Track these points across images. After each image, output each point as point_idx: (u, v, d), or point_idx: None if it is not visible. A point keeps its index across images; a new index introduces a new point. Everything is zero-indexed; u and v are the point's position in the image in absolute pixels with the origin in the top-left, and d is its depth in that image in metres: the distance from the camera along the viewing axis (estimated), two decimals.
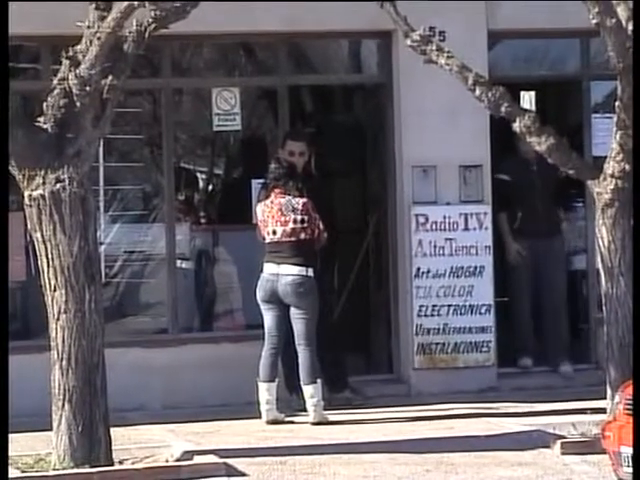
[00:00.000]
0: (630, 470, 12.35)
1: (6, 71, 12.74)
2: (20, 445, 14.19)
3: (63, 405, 13.41)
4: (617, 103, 14.70)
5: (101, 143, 14.61)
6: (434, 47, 15.03)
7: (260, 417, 15.65)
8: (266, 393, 15.69)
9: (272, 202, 15.87)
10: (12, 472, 13.32)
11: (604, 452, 12.79)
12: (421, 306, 17.31)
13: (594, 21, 14.37)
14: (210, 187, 18.33)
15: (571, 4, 14.52)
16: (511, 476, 13.26)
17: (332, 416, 15.66)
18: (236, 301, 17.65)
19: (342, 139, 17.66)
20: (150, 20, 13.29)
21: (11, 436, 14.52)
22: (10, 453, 13.90)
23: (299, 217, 15.70)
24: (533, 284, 17.67)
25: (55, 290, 13.45)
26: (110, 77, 13.35)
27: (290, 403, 15.95)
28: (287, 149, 16.65)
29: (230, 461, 13.67)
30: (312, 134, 17.24)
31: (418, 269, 17.33)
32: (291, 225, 15.70)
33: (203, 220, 18.05)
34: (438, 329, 17.33)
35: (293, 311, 15.68)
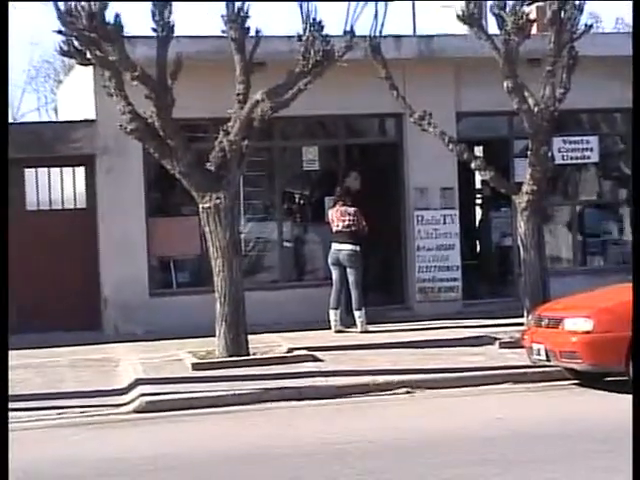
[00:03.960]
0: (536, 357, 12.41)
1: (6, 74, 10.90)
2: (197, 345, 14.28)
3: (221, 323, 13.55)
4: (529, 152, 14.72)
5: (241, 178, 14.72)
6: (426, 122, 15.08)
7: (330, 329, 15.77)
8: (333, 315, 15.82)
9: (337, 209, 15.97)
10: (193, 359, 13.43)
11: (523, 347, 12.86)
12: (420, 266, 17.32)
13: (515, 107, 14.43)
14: (301, 201, 18.24)
15: (502, 97, 14.48)
16: (470, 360, 13.32)
17: (370, 328, 15.72)
18: (317, 264, 17.60)
19: (375, 173, 17.65)
20: (267, 108, 13.40)
21: (192, 340, 14.66)
22: (191, 349, 14.08)
23: (351, 218, 15.79)
24: None
25: (217, 259, 13.60)
26: (246, 141, 13.47)
27: (347, 321, 15.94)
28: (350, 177, 16.73)
29: (314, 353, 13.81)
30: (358, 171, 17.26)
31: (418, 246, 17.33)
32: (347, 222, 15.79)
33: (298, 219, 17.95)
34: (429, 279, 17.33)
35: (348, 270, 15.76)
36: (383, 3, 14.59)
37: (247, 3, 13.19)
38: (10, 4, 12.04)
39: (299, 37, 13.49)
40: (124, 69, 13.09)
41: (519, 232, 14.99)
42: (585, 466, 8.30)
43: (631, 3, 14.04)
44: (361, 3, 13.96)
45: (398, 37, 16.88)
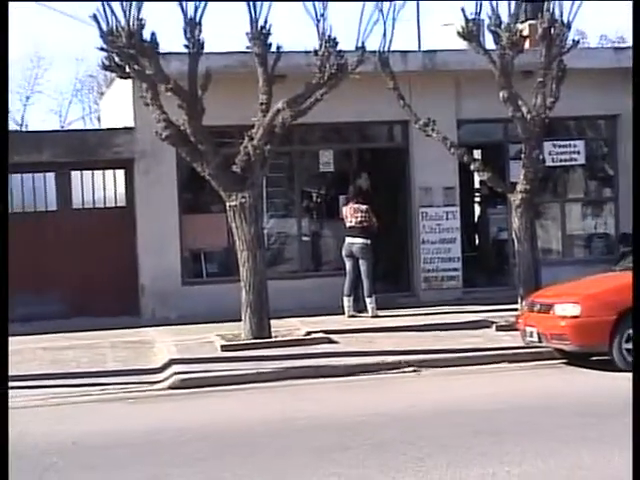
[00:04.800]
0: (529, 339, 12.39)
1: (6, 76, 9.52)
2: (225, 329, 14.21)
3: (247, 309, 13.52)
4: (522, 155, 14.67)
5: (264, 179, 14.72)
6: (430, 128, 15.07)
7: (344, 314, 15.70)
8: (347, 302, 15.76)
9: (350, 206, 15.92)
10: (221, 341, 13.39)
11: (517, 330, 12.84)
12: (425, 258, 17.28)
13: (510, 114, 14.39)
14: (318, 199, 18.13)
15: (498, 105, 14.44)
16: (470, 342, 13.28)
17: (380, 313, 15.64)
18: (332, 256, 17.45)
19: (384, 175, 17.64)
20: (287, 116, 13.39)
21: (220, 324, 14.59)
22: (222, 332, 14.04)
23: (363, 214, 15.74)
24: None
25: (242, 252, 13.57)
26: (268, 145, 13.45)
27: (359, 307, 15.87)
28: (362, 178, 16.70)
29: (330, 336, 13.78)
30: (368, 172, 17.23)
31: (423, 239, 17.29)
32: (359, 218, 15.74)
33: (315, 216, 17.87)
34: (433, 269, 17.28)
35: (360, 261, 15.71)
36: (391, 22, 14.57)
37: (269, 22, 13.22)
38: (10, 4, 11.19)
39: (316, 52, 13.49)
40: (159, 82, 13.11)
41: (514, 227, 14.94)
42: (576, 436, 8.26)
43: (618, 15, 14.03)
44: (371, 22, 13.99)
45: (404, 52, 16.84)
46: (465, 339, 13.50)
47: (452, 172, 17.10)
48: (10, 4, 10.99)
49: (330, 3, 13.31)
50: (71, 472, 7.84)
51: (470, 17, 14.30)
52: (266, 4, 13.10)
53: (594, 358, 11.88)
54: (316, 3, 13.25)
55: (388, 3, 14.21)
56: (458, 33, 14.55)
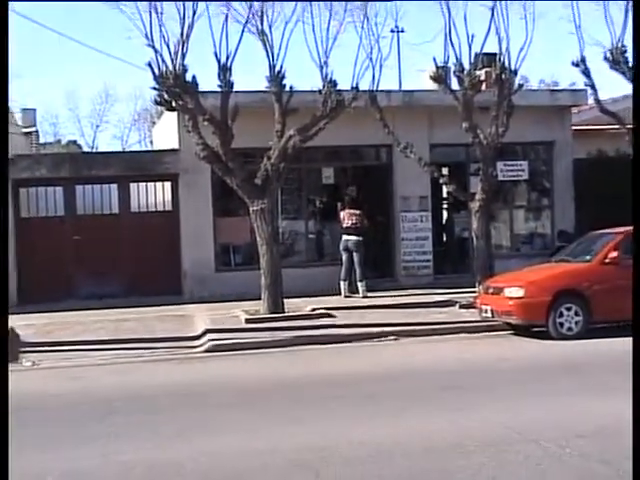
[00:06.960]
0: (484, 315, 12.31)
1: (6, 77, 7.61)
2: (248, 306, 14.04)
3: (265, 290, 13.42)
4: (480, 172, 14.60)
5: (279, 189, 14.63)
6: (409, 150, 15.00)
7: (341, 295, 15.55)
8: (343, 285, 15.61)
9: (347, 211, 15.81)
10: (245, 316, 13.26)
11: (475, 308, 12.77)
12: (404, 251, 17.16)
13: (470, 140, 14.31)
14: (321, 206, 18.06)
15: (461, 133, 14.37)
16: (439, 317, 13.13)
17: (369, 294, 15.45)
18: (331, 249, 17.16)
19: (372, 186, 17.55)
20: (297, 141, 13.34)
21: (244, 302, 14.44)
22: (245, 308, 13.97)
23: (356, 217, 15.65)
24: None
25: (262, 246, 13.50)
26: (283, 164, 13.41)
27: (352, 289, 15.70)
28: (350, 189, 16.64)
29: (330, 311, 13.66)
30: (358, 185, 17.09)
31: (403, 237, 17.17)
32: (353, 220, 15.65)
33: (318, 218, 17.75)
34: (411, 260, 17.16)
35: (354, 254, 15.56)
36: (379, 68, 14.47)
37: (284, 67, 13.21)
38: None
39: (320, 91, 13.48)
40: (198, 114, 13.10)
41: (473, 228, 14.87)
42: (521, 390, 8.20)
43: (553, 64, 14.04)
44: (363, 67, 13.94)
45: (389, 91, 16.75)
46: (435, 315, 13.42)
47: (425, 185, 16.99)
48: (76, 49, 10.77)
49: (331, 52, 13.31)
50: (128, 415, 7.80)
51: (440, 65, 14.25)
52: (281, 53, 13.12)
53: (534, 329, 11.84)
54: (320, 52, 13.25)
55: (377, 53, 14.15)
56: (430, 77, 14.53)
